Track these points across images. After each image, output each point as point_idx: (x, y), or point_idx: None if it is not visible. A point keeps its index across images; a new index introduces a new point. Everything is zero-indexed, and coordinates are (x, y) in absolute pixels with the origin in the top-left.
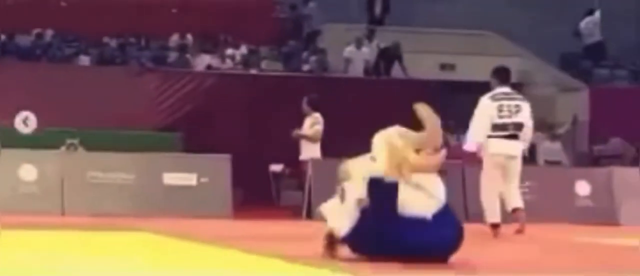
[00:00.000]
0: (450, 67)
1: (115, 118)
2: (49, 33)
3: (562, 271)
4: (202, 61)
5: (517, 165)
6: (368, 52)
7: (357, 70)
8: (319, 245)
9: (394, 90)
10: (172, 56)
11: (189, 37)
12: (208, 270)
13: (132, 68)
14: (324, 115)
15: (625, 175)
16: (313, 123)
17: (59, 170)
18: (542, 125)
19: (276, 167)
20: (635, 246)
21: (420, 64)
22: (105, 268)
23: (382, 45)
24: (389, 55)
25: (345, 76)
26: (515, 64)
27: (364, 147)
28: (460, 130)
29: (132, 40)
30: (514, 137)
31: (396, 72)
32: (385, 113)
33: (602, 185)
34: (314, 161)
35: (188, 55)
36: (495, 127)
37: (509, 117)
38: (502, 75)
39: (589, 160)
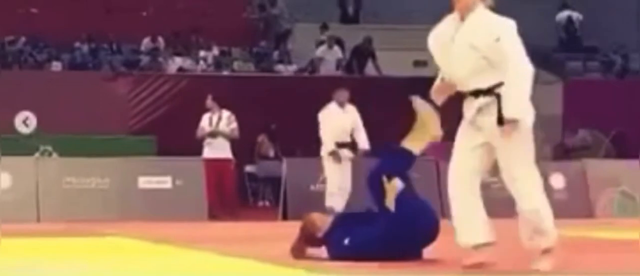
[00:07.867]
0: (423, 63)
1: (89, 123)
2: (21, 40)
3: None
4: (174, 64)
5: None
6: (340, 51)
7: (329, 70)
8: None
9: (368, 88)
10: (144, 60)
11: (161, 40)
12: (183, 273)
13: (104, 72)
14: (295, 115)
15: (598, 167)
16: (230, 121)
17: (33, 177)
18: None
19: (250, 168)
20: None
21: (394, 61)
22: (82, 274)
23: (334, 39)
24: (362, 53)
25: (318, 75)
26: None
27: None
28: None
29: (104, 44)
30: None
31: (369, 69)
32: (360, 112)
33: (577, 177)
34: (289, 161)
35: (160, 58)
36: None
37: None
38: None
39: (562, 153)
